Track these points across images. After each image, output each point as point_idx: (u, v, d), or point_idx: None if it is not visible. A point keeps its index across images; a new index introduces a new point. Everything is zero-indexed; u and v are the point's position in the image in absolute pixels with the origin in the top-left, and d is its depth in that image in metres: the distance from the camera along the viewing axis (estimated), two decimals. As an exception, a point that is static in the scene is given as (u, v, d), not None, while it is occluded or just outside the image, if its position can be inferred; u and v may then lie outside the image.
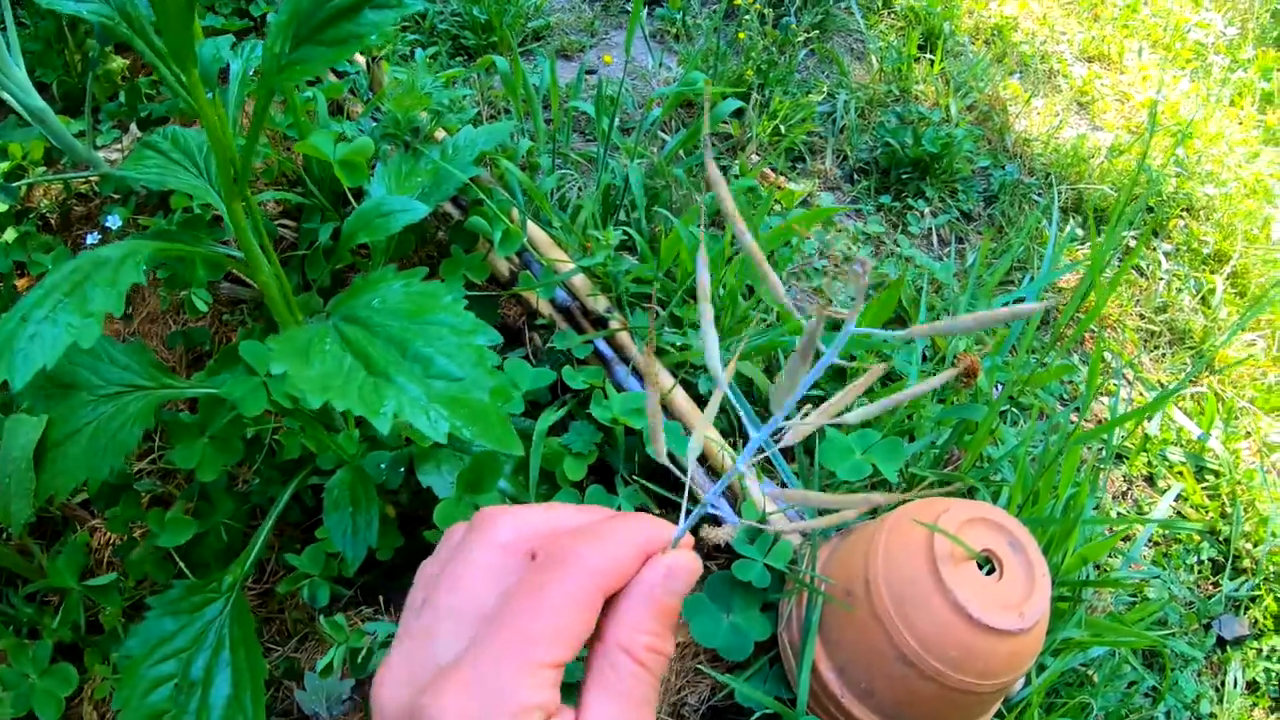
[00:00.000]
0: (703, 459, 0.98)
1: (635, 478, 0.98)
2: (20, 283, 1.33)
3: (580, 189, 1.40)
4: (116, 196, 1.41)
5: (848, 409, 0.30)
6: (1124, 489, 1.45)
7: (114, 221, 1.30)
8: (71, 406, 0.92)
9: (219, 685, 0.85)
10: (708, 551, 1.00)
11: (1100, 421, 1.49)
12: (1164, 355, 1.66)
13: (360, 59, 1.60)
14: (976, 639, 0.72)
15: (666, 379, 1.02)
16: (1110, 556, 1.30)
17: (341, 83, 1.48)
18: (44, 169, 1.37)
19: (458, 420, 0.72)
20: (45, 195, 1.45)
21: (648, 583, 0.33)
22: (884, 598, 0.75)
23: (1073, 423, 1.26)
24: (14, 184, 1.23)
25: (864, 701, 0.79)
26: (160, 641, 0.85)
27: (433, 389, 0.74)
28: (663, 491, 0.95)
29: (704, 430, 0.35)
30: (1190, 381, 1.63)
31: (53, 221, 1.42)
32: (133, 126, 1.51)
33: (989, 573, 0.75)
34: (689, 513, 0.35)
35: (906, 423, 1.05)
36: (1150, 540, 1.39)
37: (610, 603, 0.33)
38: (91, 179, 1.43)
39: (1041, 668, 0.98)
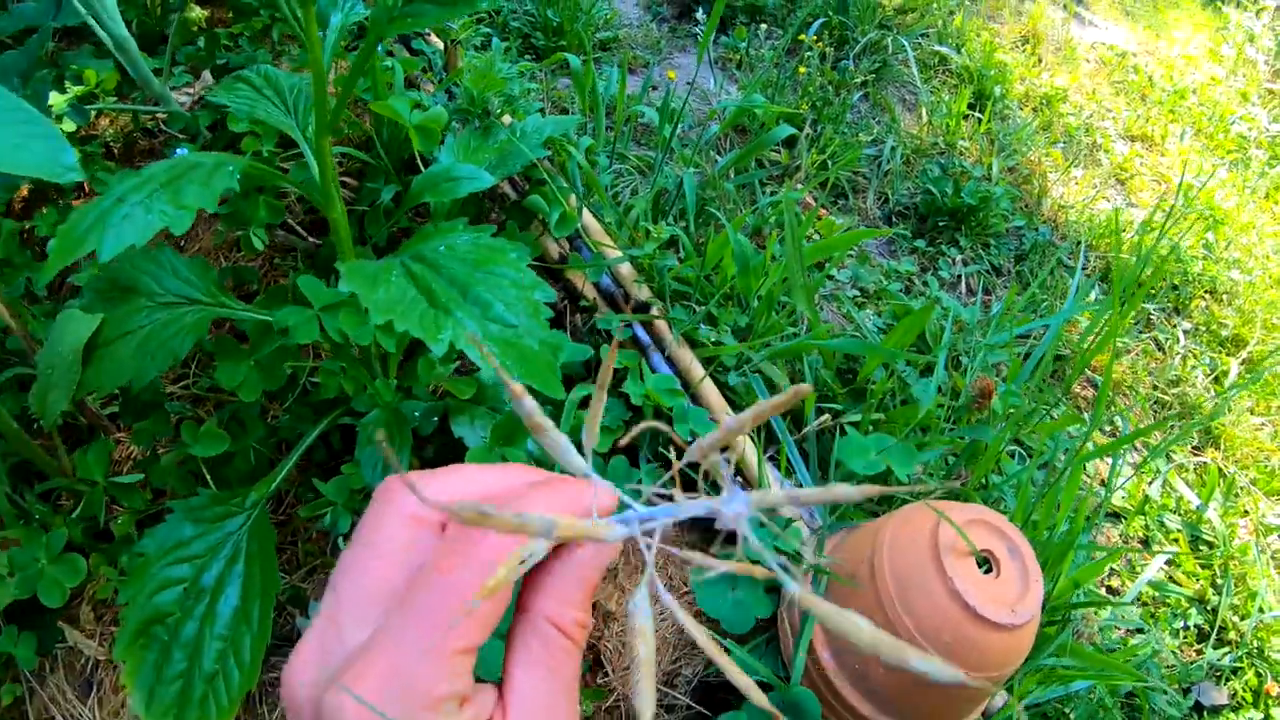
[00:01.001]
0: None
1: (662, 450, 1.03)
2: (75, 202, 1.37)
3: (633, 190, 1.46)
4: (183, 135, 1.46)
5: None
6: (1118, 554, 1.49)
7: (182, 154, 1.36)
8: (128, 310, 0.95)
9: (229, 595, 0.86)
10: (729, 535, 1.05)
11: (1102, 481, 1.53)
12: (1173, 427, 1.70)
13: (438, 41, 1.67)
14: (970, 628, 0.76)
15: (698, 370, 1.07)
16: (1097, 610, 1.34)
17: (417, 60, 1.55)
18: (114, 99, 1.42)
19: (508, 360, 0.77)
20: (112, 125, 1.50)
21: (578, 558, 0.32)
22: (887, 581, 0.80)
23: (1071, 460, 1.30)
24: (87, 107, 1.28)
25: (856, 684, 0.83)
26: (176, 545, 0.87)
27: (488, 329, 0.79)
28: (687, 470, 1.00)
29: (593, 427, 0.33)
30: (1194, 450, 1.67)
31: (116, 151, 1.46)
32: (206, 74, 1.56)
33: (986, 572, 0.80)
34: (624, 509, 0.32)
35: (919, 436, 1.10)
36: (1139, 600, 1.43)
37: (533, 574, 0.32)
38: (159, 115, 1.47)
39: (1022, 696, 1.02)
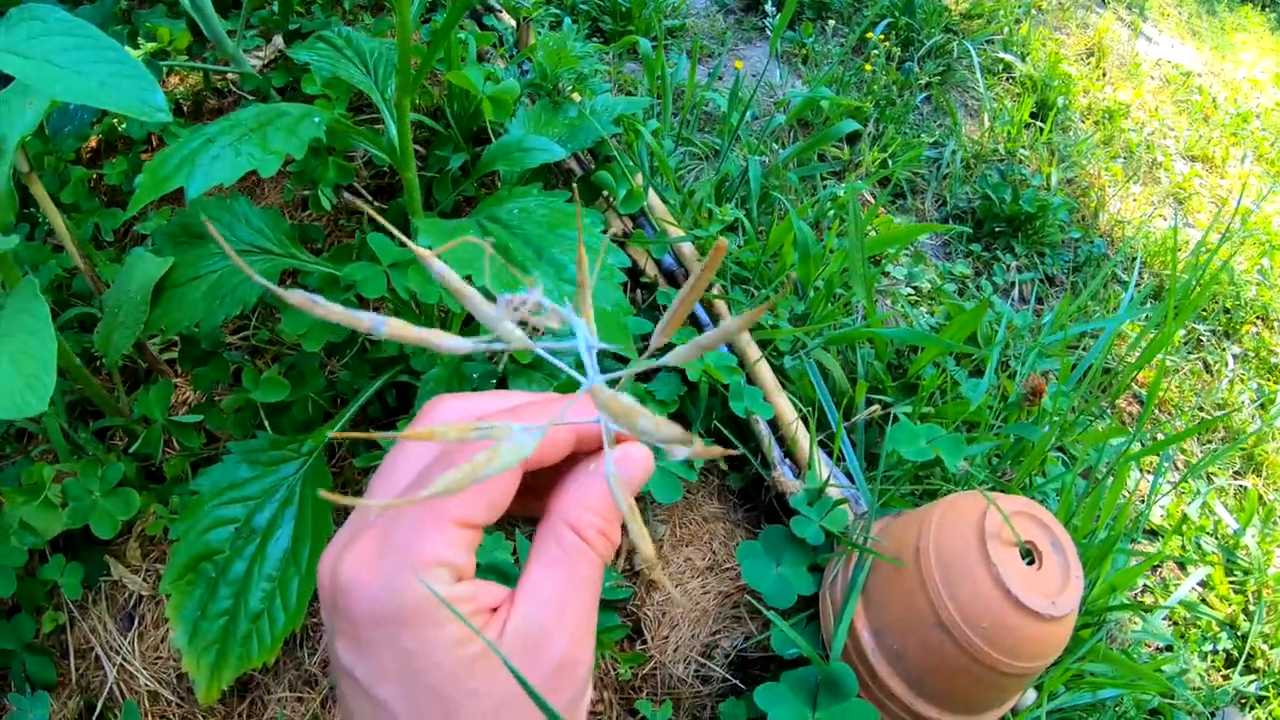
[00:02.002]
0: (774, 426, 1.05)
1: (714, 427, 1.06)
2: (145, 155, 1.41)
3: (696, 175, 1.48)
4: (252, 97, 1.49)
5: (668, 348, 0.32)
6: (1154, 565, 1.49)
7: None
8: (199, 255, 0.97)
9: (280, 538, 0.87)
10: (768, 510, 1.07)
11: (1142, 498, 1.53)
12: (1215, 449, 1.70)
13: (508, 18, 1.69)
14: (1010, 616, 0.78)
15: (754, 352, 1.09)
16: (1131, 621, 1.34)
17: (488, 35, 1.57)
18: (185, 58, 1.43)
19: (583, 319, 0.79)
20: (182, 83, 1.54)
21: (601, 469, 0.33)
22: (932, 565, 0.81)
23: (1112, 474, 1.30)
24: (160, 63, 1.31)
25: (893, 664, 0.85)
26: (231, 486, 0.88)
27: (563, 289, 0.82)
28: (738, 446, 1.02)
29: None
30: (1235, 475, 1.67)
31: (185, 109, 1.50)
32: (277, 38, 1.58)
33: (1029, 563, 0.82)
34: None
35: (967, 433, 1.11)
36: (1169, 618, 1.43)
37: (560, 483, 0.33)
38: (229, 76, 1.50)
39: (1051, 696, 1.03)
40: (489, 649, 0.30)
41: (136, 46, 1.32)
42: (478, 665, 0.30)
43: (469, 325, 1.06)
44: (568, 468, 0.34)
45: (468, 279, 0.78)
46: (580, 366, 0.31)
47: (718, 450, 0.29)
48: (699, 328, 1.13)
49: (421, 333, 0.29)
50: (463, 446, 0.31)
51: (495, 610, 0.31)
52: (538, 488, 0.34)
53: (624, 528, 0.32)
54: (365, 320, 0.28)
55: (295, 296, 0.27)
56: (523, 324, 0.30)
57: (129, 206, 0.77)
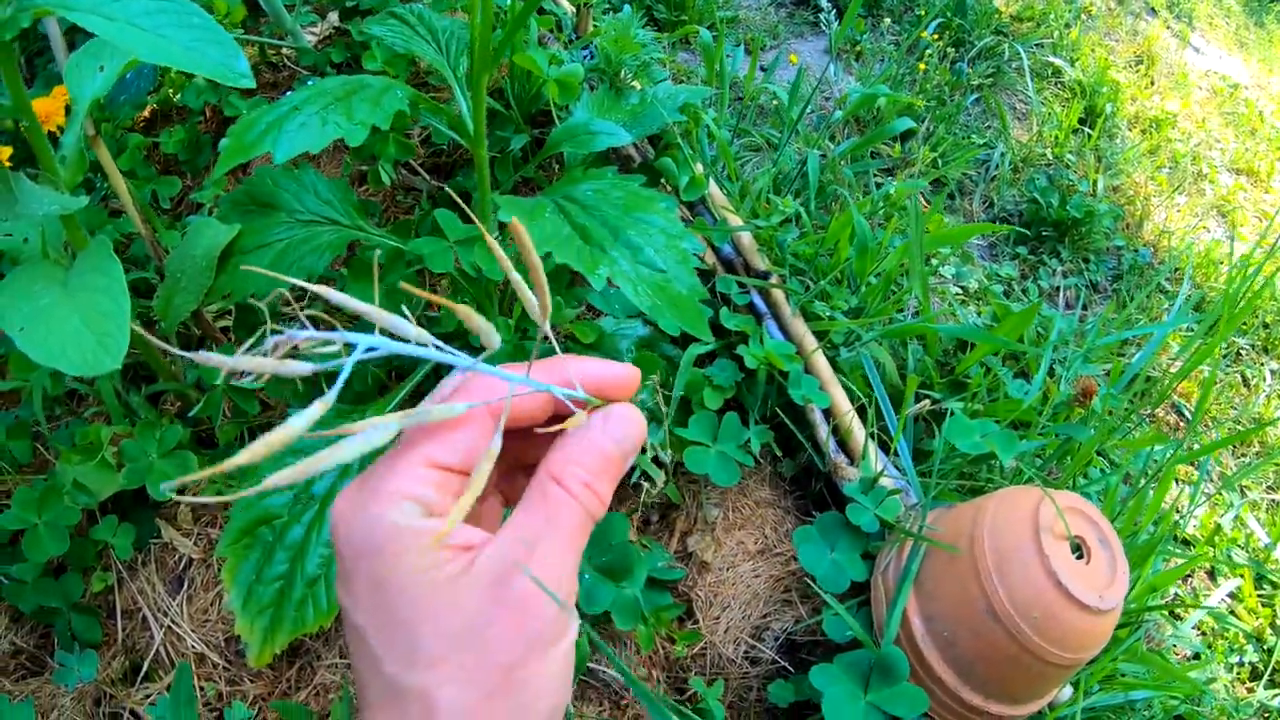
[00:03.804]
0: (829, 415, 1.07)
1: (772, 414, 1.08)
2: (200, 125, 1.42)
3: (753, 168, 1.50)
4: (308, 71, 1.50)
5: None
6: (1186, 574, 1.50)
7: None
8: (267, 223, 0.97)
9: None
10: (817, 499, 1.09)
11: (1178, 508, 1.54)
12: (1250, 464, 1.70)
13: (566, 4, 1.71)
14: (1060, 607, 0.80)
15: (810, 342, 1.11)
16: (1162, 624, 1.36)
17: (548, 19, 1.59)
18: (241, 31, 1.43)
19: (660, 301, 0.81)
20: None
21: (594, 428, 0.35)
22: (986, 554, 0.83)
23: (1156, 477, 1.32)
24: None
25: (943, 651, 0.87)
26: (292, 452, 0.85)
27: (639, 272, 0.83)
28: (793, 429, 1.05)
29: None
30: (1269, 489, 1.67)
31: None
32: (333, 15, 1.58)
33: (1078, 558, 0.84)
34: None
35: (1016, 432, 1.13)
36: (1198, 628, 1.44)
37: (554, 442, 0.35)
38: (284, 51, 1.51)
39: (1086, 693, 1.05)
40: (453, 578, 0.31)
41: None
42: (440, 592, 0.31)
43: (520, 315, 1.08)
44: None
45: (546, 256, 0.80)
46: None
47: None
48: (757, 316, 1.15)
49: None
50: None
51: (471, 549, 0.32)
52: (535, 465, 0.36)
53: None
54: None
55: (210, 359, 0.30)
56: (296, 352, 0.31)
57: (214, 170, 0.78)
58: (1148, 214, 2.03)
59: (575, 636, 0.34)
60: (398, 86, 0.85)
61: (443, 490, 0.33)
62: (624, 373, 0.37)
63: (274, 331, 0.31)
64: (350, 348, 0.31)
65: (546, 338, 0.36)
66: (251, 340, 0.30)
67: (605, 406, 0.36)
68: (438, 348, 0.33)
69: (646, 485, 1.01)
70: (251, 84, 0.66)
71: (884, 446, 1.07)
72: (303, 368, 0.30)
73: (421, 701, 0.30)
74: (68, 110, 0.86)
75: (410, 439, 0.34)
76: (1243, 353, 1.88)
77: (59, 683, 0.92)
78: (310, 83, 1.41)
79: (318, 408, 0.30)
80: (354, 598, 0.32)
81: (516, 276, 0.36)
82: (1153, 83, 2.56)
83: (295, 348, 0.31)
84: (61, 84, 0.85)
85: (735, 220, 1.21)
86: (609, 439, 0.35)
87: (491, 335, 0.35)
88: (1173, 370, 1.74)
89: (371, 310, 0.32)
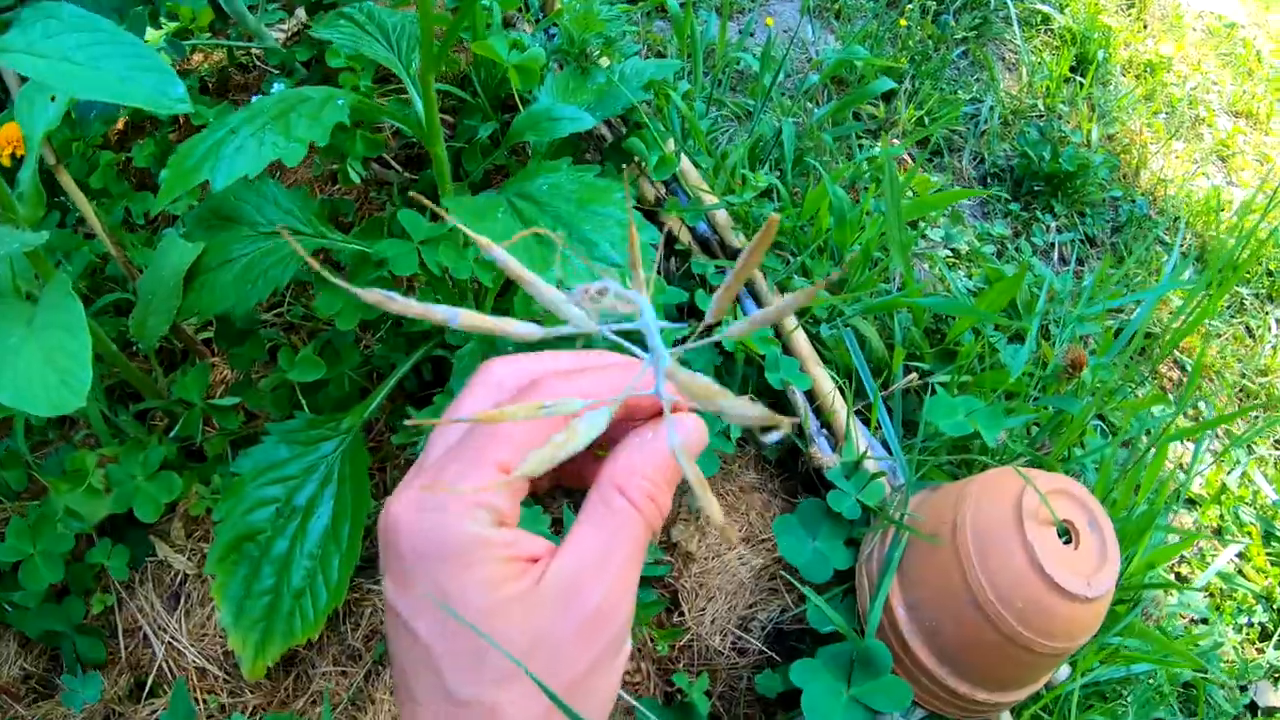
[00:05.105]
0: (811, 396, 1.04)
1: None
2: (173, 136, 1.40)
3: (730, 138, 1.46)
4: (277, 71, 1.47)
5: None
6: (1187, 548, 1.46)
7: (278, 88, 1.37)
8: (230, 238, 0.97)
9: (320, 516, 0.88)
10: (805, 480, 1.06)
11: (1182, 466, 1.50)
12: (1256, 418, 1.67)
13: (534, -17, 1.66)
14: (1044, 596, 0.77)
15: (790, 320, 1.08)
16: (1166, 594, 1.33)
17: (514, 0, 1.54)
18: (209, 36, 1.43)
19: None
20: (206, 60, 1.52)
21: (652, 434, 0.35)
22: (968, 542, 0.81)
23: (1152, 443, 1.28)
24: (182, 43, 1.30)
25: (928, 641, 0.84)
26: (271, 466, 0.89)
27: (596, 269, 0.80)
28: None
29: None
30: (1276, 445, 1.64)
31: (210, 86, 1.48)
32: (300, 11, 1.56)
33: (1066, 542, 0.81)
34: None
35: (1005, 403, 1.10)
36: (1206, 589, 1.41)
37: (613, 453, 0.34)
38: (254, 51, 1.49)
39: (1085, 671, 1.03)
40: (524, 593, 0.31)
41: (158, 26, 1.30)
42: (511, 607, 0.31)
43: (502, 298, 1.05)
44: (619, 436, 0.35)
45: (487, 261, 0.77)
46: (644, 344, 0.32)
47: (789, 420, 0.30)
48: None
49: (495, 322, 0.30)
50: (516, 394, 0.34)
51: (536, 561, 0.32)
52: (582, 456, 0.34)
53: (682, 491, 0.34)
54: (439, 313, 0.29)
55: (372, 295, 0.28)
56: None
57: (156, 201, 0.76)
58: (1144, 162, 1.97)
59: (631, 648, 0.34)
60: (339, 95, 0.82)
61: (513, 498, 0.32)
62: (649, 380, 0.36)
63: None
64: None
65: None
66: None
67: (674, 414, 0.34)
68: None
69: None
70: (189, 108, 0.65)
71: (870, 423, 1.04)
72: (602, 329, 0.30)
73: (486, 715, 0.31)
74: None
75: (476, 439, 0.33)
76: (1247, 303, 1.84)
77: (67, 705, 0.93)
78: (277, 86, 1.39)
79: (600, 418, 0.31)
80: (415, 604, 0.31)
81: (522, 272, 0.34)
82: (1145, 26, 2.49)
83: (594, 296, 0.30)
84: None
85: (709, 198, 1.17)
86: (674, 448, 0.33)
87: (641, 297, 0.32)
88: (1175, 327, 1.70)
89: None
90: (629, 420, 0.36)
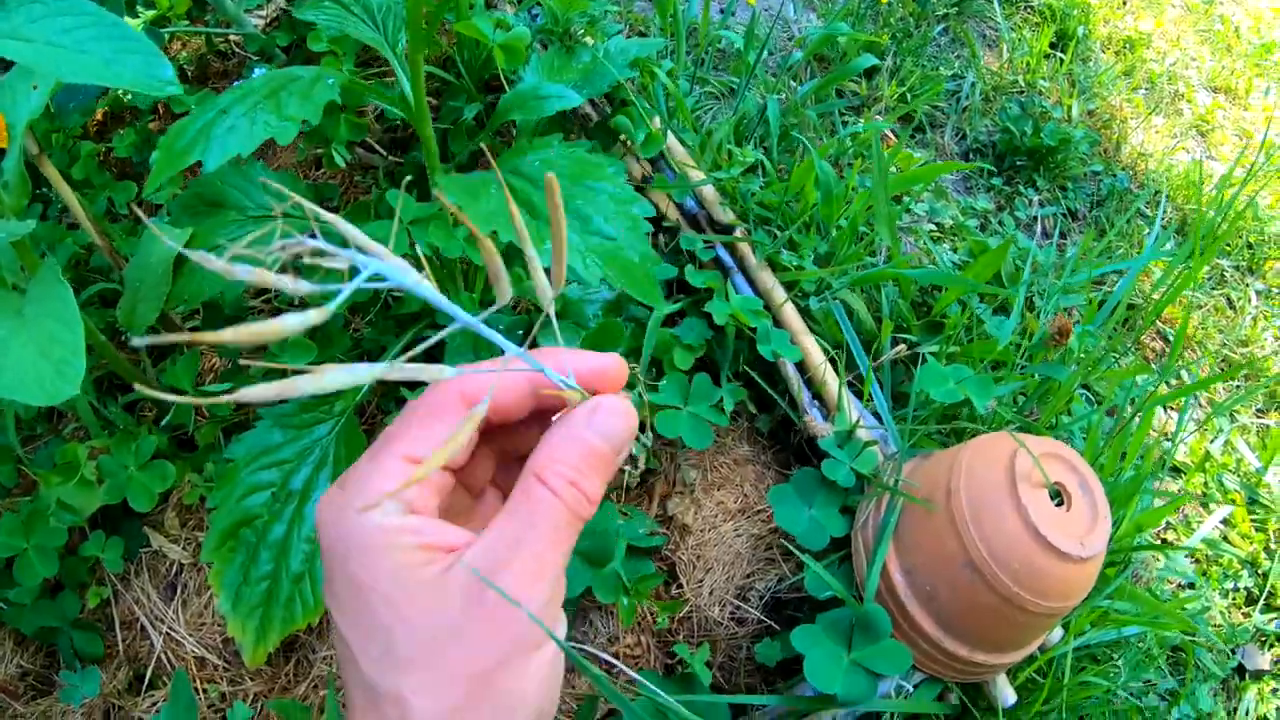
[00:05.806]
0: (802, 368, 1.04)
1: (743, 370, 1.05)
2: (153, 125, 1.39)
3: (713, 115, 1.46)
4: (258, 57, 1.46)
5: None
6: (1173, 511, 1.48)
7: (260, 73, 1.36)
8: (218, 223, 0.96)
9: (317, 499, 0.85)
10: (797, 451, 1.07)
11: (1166, 435, 1.52)
12: (1238, 386, 1.69)
13: (516, -38, 1.65)
14: (1039, 557, 0.78)
15: (779, 294, 1.08)
16: (1154, 559, 1.35)
17: (499, -21, 1.54)
18: (186, 23, 1.41)
19: (611, 271, 0.78)
20: (184, 48, 1.51)
21: (571, 419, 0.35)
22: (963, 506, 0.81)
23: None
24: (161, 30, 1.28)
25: (925, 605, 0.85)
26: (264, 451, 0.88)
27: (589, 242, 0.81)
28: (765, 388, 1.02)
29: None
30: (1258, 413, 1.66)
31: (190, 74, 1.47)
32: None
33: (1058, 504, 0.82)
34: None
35: (993, 372, 1.11)
36: (1192, 556, 1.43)
37: (540, 443, 0.35)
38: (233, 37, 1.48)
39: (1078, 634, 1.04)
40: (432, 580, 0.31)
41: (135, 15, 1.29)
42: (417, 594, 0.30)
43: (488, 284, 1.05)
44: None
45: (493, 235, 0.77)
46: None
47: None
48: (724, 270, 1.12)
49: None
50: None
51: (454, 551, 0.32)
52: (523, 459, 0.35)
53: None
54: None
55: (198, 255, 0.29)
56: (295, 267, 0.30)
57: (147, 184, 0.76)
58: (1125, 137, 1.99)
59: (562, 639, 0.34)
60: (329, 75, 0.82)
61: (424, 486, 0.33)
62: (611, 363, 0.36)
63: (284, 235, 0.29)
64: (354, 272, 0.29)
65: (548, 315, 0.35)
66: (253, 236, 0.29)
67: (592, 399, 0.35)
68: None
69: (628, 469, 0.99)
70: (178, 90, 0.65)
71: (862, 394, 1.05)
72: (302, 286, 0.29)
73: (397, 706, 0.30)
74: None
75: (390, 435, 0.34)
76: (1227, 275, 1.86)
77: (66, 701, 0.93)
78: (258, 71, 1.38)
79: (315, 315, 0.28)
80: (336, 599, 0.32)
81: (498, 264, 0.35)
82: (1125, 2, 2.50)
83: (299, 259, 0.29)
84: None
85: (696, 174, 1.17)
86: (595, 433, 0.34)
87: (505, 284, 0.34)
88: (1156, 298, 1.72)
89: (379, 248, 0.30)
90: (549, 410, 0.36)
